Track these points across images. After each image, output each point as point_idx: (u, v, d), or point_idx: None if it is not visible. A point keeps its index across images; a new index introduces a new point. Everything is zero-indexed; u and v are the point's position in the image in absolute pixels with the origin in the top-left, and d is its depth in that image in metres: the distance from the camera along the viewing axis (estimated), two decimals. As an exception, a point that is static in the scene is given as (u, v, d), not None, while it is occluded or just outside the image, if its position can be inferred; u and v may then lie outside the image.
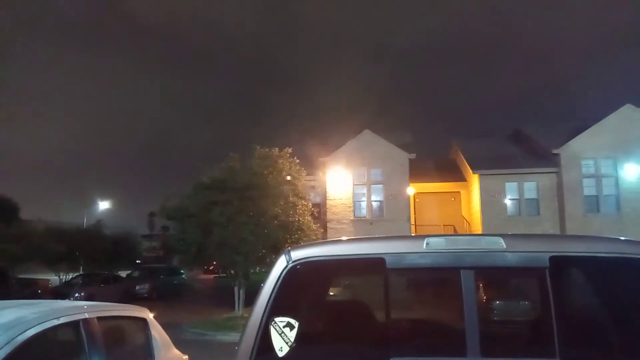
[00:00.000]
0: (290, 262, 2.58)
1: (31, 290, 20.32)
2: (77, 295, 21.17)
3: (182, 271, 30.54)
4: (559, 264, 2.43)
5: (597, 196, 22.88)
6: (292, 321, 2.48)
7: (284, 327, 2.47)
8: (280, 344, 2.46)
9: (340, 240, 2.87)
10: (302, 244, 3.04)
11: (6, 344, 2.74)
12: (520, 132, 28.09)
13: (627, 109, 22.97)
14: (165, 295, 25.95)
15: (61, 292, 21.61)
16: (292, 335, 2.46)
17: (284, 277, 2.55)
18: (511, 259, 2.46)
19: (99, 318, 3.62)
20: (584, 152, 22.82)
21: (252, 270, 17.65)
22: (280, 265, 2.58)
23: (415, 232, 24.49)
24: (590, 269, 2.59)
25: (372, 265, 2.56)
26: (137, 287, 26.34)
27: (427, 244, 2.53)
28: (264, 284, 2.58)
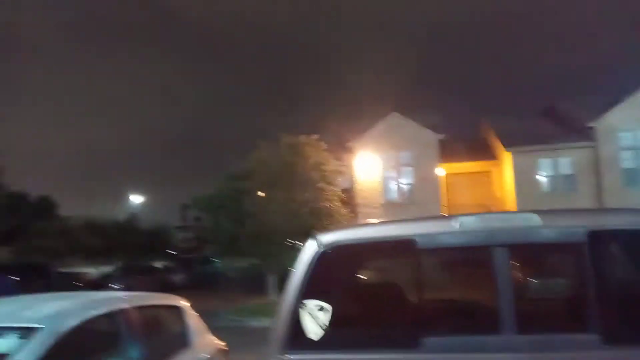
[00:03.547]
0: (321, 247, 2.58)
1: (71, 283, 21.02)
2: (115, 286, 21.80)
3: (215, 260, 31.10)
4: (598, 238, 2.36)
5: (635, 169, 22.15)
6: (324, 305, 2.48)
7: (316, 310, 2.48)
8: (313, 327, 2.47)
9: (370, 223, 2.86)
10: (332, 228, 3.04)
11: (50, 334, 2.83)
12: (553, 107, 27.28)
13: (665, 78, 22.05)
14: (200, 284, 26.48)
15: (100, 284, 22.29)
16: (324, 318, 2.47)
17: (314, 262, 2.55)
18: (547, 234, 2.40)
19: (137, 308, 3.71)
20: (621, 124, 22.05)
21: (285, 257, 17.82)
22: (310, 250, 2.59)
23: (447, 213, 24.23)
24: (630, 243, 2.50)
25: (403, 246, 2.54)
26: (173, 277, 26.94)
27: (459, 223, 2.49)
28: (295, 269, 2.59)
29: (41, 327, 2.86)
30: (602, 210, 4.24)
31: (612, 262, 2.67)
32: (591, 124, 22.36)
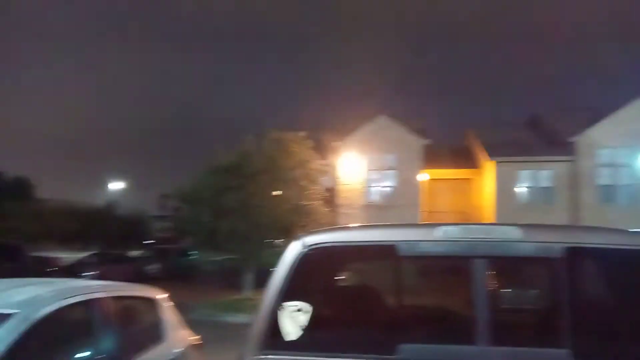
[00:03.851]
0: (305, 247, 2.59)
1: (44, 268, 20.65)
2: (89, 274, 21.50)
3: (193, 252, 30.86)
4: (575, 255, 2.41)
5: (613, 186, 22.62)
6: (304, 306, 2.49)
7: (295, 311, 2.49)
8: (291, 328, 2.48)
9: (353, 226, 2.87)
10: (314, 229, 3.05)
11: (23, 321, 2.79)
12: (537, 119, 27.71)
13: (646, 99, 22.53)
14: (176, 276, 26.25)
15: (74, 271, 21.96)
16: (303, 319, 2.48)
17: (297, 263, 2.56)
18: (526, 248, 2.45)
19: (112, 298, 3.67)
20: (601, 141, 22.48)
21: (264, 253, 17.75)
22: (294, 250, 2.59)
23: (426, 218, 24.43)
24: (605, 261, 2.56)
25: (386, 252, 2.56)
26: (148, 267, 26.67)
27: (441, 232, 2.52)
28: (276, 268, 2.59)
29: (15, 313, 2.81)
30: (581, 227, 4.32)
31: (587, 279, 2.73)
32: (572, 139, 22.76)
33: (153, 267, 26.82)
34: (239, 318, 12.85)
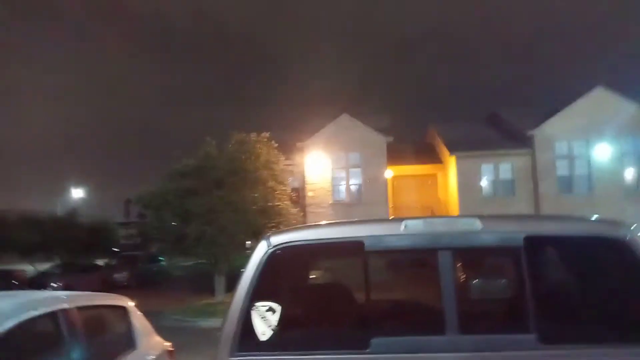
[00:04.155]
0: (271, 247, 2.60)
1: (7, 282, 19.92)
2: (54, 285, 20.88)
3: (160, 258, 30.29)
4: (533, 243, 2.51)
5: (570, 176, 23.42)
6: (274, 305, 2.51)
7: (265, 311, 2.50)
8: (263, 329, 2.49)
9: (319, 224, 2.90)
10: (281, 229, 3.07)
11: (-16, 336, 2.71)
12: (497, 115, 28.45)
13: (598, 92, 23.42)
14: (145, 283, 25.77)
15: (38, 283, 21.29)
16: (274, 319, 2.49)
17: (264, 263, 2.57)
18: (487, 239, 2.53)
19: (79, 308, 3.59)
20: (557, 133, 23.26)
21: (232, 256, 17.61)
22: (260, 250, 2.61)
23: (393, 214, 24.74)
24: (563, 248, 2.69)
25: (352, 248, 2.60)
26: (116, 276, 26.09)
27: (404, 226, 2.58)
28: (244, 269, 2.60)
29: (-25, 329, 2.73)
30: (538, 217, 4.48)
31: (548, 266, 2.85)
32: (530, 132, 23.47)
33: (121, 275, 26.25)
34: (212, 322, 12.71)
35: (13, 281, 20.75)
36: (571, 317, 2.57)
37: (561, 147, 23.54)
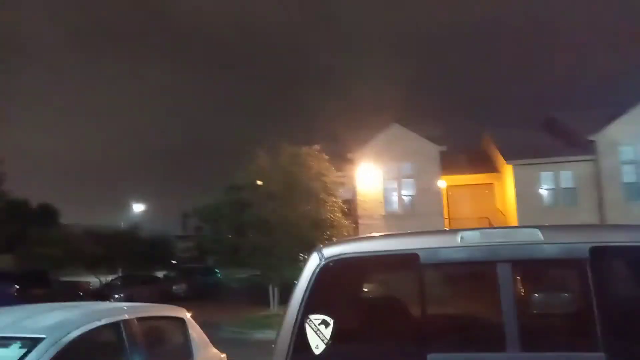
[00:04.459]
0: (323, 259, 2.58)
1: (72, 292, 20.97)
2: (116, 296, 21.75)
3: (217, 270, 31.01)
4: (600, 254, 2.37)
5: (637, 183, 22.12)
6: (327, 318, 2.49)
7: (319, 324, 2.48)
8: (316, 342, 2.47)
9: (372, 236, 2.85)
10: (334, 241, 3.04)
11: (52, 345, 2.84)
12: (554, 119, 27.34)
13: (666, 92, 22.11)
14: (202, 294, 26.39)
15: (101, 294, 22.25)
16: (327, 332, 2.47)
17: (317, 275, 2.56)
18: (549, 250, 2.41)
19: (139, 319, 3.71)
20: (622, 137, 22.08)
21: (286, 269, 17.78)
22: (313, 263, 2.59)
23: (449, 226, 24.18)
24: (632, 259, 2.51)
25: (406, 261, 2.54)
26: (174, 287, 26.87)
27: (461, 238, 2.50)
28: (297, 282, 2.60)
29: (44, 338, 2.87)
30: (604, 226, 4.24)
31: (616, 279, 2.67)
32: (592, 137, 22.40)
33: (179, 287, 27.02)
34: (267, 334, 12.81)
35: (79, 292, 21.81)
36: None
37: (627, 151, 22.30)
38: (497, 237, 2.50)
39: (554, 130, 26.31)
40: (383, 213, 24.63)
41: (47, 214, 34.24)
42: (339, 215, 18.46)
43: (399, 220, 23.63)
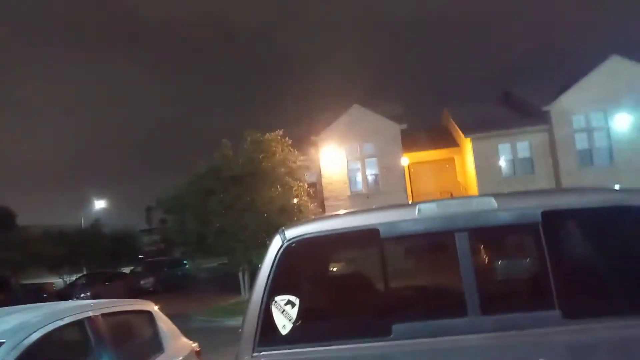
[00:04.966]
0: (285, 240, 2.59)
1: (36, 295, 20.40)
2: (82, 295, 21.28)
3: (185, 262, 30.68)
4: (552, 218, 2.45)
5: (590, 149, 22.97)
6: (293, 298, 2.50)
7: (284, 305, 2.49)
8: (283, 322, 2.48)
9: (333, 215, 2.87)
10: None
11: (12, 349, 2.75)
12: (510, 93, 28.03)
13: (613, 61, 22.88)
14: (171, 287, 26.11)
15: (66, 294, 21.72)
16: (293, 312, 2.48)
17: (280, 256, 2.56)
18: (504, 217, 2.48)
19: (104, 315, 3.63)
20: (574, 107, 22.82)
21: (254, 255, 17.76)
22: (275, 245, 2.60)
23: (412, 201, 24.56)
24: (583, 221, 2.61)
25: (367, 236, 2.57)
26: (142, 282, 26.44)
27: (419, 210, 2.55)
28: (261, 265, 2.60)
29: (3, 342, 2.77)
30: (555, 190, 4.40)
31: (567, 240, 2.78)
32: (546, 108, 23.06)
33: (147, 281, 26.61)
34: (238, 321, 12.77)
35: (43, 294, 21.22)
36: (595, 290, 2.51)
37: (579, 120, 23.08)
38: (453, 207, 2.55)
39: (510, 103, 26.99)
40: (348, 193, 24.84)
41: (3, 217, 32.97)
42: (305, 199, 18.51)
43: (364, 200, 23.89)
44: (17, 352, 2.74)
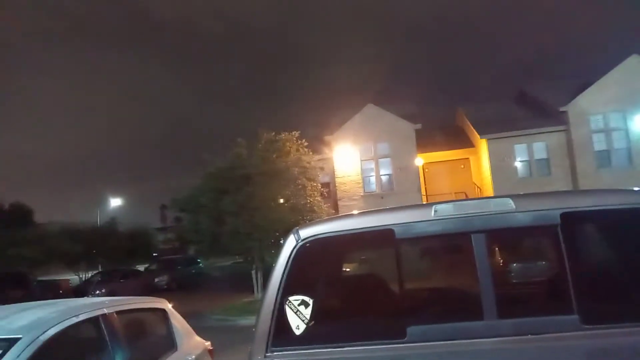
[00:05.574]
0: (300, 240, 2.57)
1: (53, 291, 20.67)
2: (97, 292, 21.52)
3: (199, 260, 30.87)
4: (571, 220, 2.40)
5: (608, 150, 22.62)
6: (307, 299, 2.48)
7: (298, 305, 2.48)
8: (297, 322, 2.47)
9: (347, 215, 2.85)
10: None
11: (29, 344, 2.78)
12: (526, 93, 27.70)
13: (632, 60, 22.50)
14: (185, 285, 26.29)
15: (82, 291, 21.99)
16: (307, 312, 2.47)
17: (294, 256, 2.55)
18: (522, 218, 2.44)
19: (118, 312, 3.66)
20: (592, 107, 22.48)
21: (267, 254, 17.80)
22: (289, 244, 2.58)
23: (427, 202, 24.42)
24: (603, 223, 2.56)
25: (382, 237, 2.54)
26: (156, 280, 26.69)
27: (435, 211, 2.51)
28: (275, 264, 2.59)
29: (20, 337, 2.80)
30: (574, 192, 4.33)
31: (587, 243, 2.72)
32: (563, 108, 22.75)
33: (161, 279, 26.86)
34: (251, 320, 12.83)
35: (59, 291, 21.50)
36: (614, 295, 2.45)
37: (597, 120, 22.73)
38: (470, 208, 2.51)
39: (526, 103, 26.69)
40: (362, 193, 24.78)
41: (20, 213, 33.48)
42: (319, 199, 18.50)
43: (377, 200, 23.81)
44: (33, 348, 2.77)
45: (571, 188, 22.17)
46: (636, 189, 2.65)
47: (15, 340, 2.79)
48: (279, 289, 2.51)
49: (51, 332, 2.96)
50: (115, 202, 37.52)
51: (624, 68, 22.50)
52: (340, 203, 24.28)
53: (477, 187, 25.63)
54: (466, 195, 24.73)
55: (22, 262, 22.84)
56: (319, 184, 19.25)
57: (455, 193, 24.76)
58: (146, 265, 31.40)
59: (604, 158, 22.59)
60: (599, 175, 21.75)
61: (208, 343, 4.81)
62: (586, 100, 22.56)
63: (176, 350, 4.18)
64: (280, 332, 2.46)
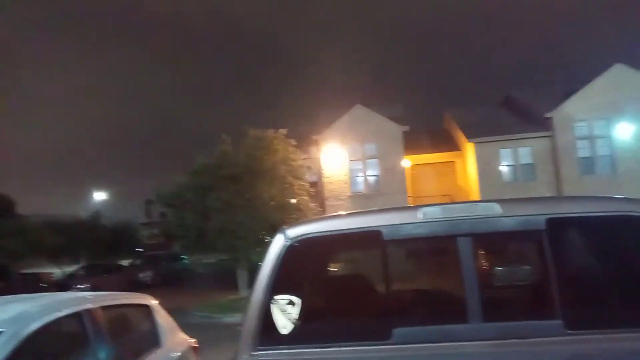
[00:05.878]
0: (288, 240, 2.58)
1: (35, 285, 20.37)
2: (80, 286, 21.27)
3: (184, 256, 30.69)
4: (556, 225, 2.44)
5: (591, 157, 22.94)
6: (294, 298, 2.49)
7: (285, 305, 2.49)
8: (283, 322, 2.48)
9: (336, 215, 2.86)
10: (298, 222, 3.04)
11: (11, 338, 2.75)
12: (512, 98, 27.99)
13: (617, 69, 22.85)
14: (169, 281, 26.11)
15: (65, 284, 21.71)
16: (294, 312, 2.48)
17: (281, 256, 2.56)
18: (508, 223, 2.47)
19: (103, 308, 3.63)
20: (577, 114, 22.79)
21: (253, 252, 17.75)
22: (277, 244, 2.59)
23: (413, 204, 24.55)
24: (586, 229, 2.60)
25: (369, 238, 2.56)
26: (140, 275, 26.45)
27: (423, 213, 2.54)
28: (262, 263, 2.59)
29: (2, 331, 2.77)
30: (560, 198, 4.39)
31: (572, 248, 2.76)
32: (548, 114, 23.03)
33: (145, 275, 26.62)
34: (236, 318, 12.82)
35: (40, 284, 21.20)
36: (598, 301, 2.49)
37: (581, 127, 23.03)
38: (457, 211, 2.54)
39: (513, 108, 26.96)
40: (349, 194, 24.82)
41: (3, 205, 32.94)
42: (306, 198, 18.48)
43: (364, 200, 23.86)
44: (15, 342, 2.74)
45: (555, 193, 22.45)
46: (619, 196, 2.70)
47: (-3, 334, 2.75)
48: (266, 288, 2.52)
49: (34, 326, 2.92)
50: (100, 196, 37.11)
51: (609, 77, 22.83)
52: (327, 203, 24.30)
53: (463, 190, 25.84)
54: (452, 198, 24.91)
55: (3, 253, 22.51)
56: (307, 183, 19.22)
57: (441, 196, 24.93)
58: (130, 260, 31.11)
59: (588, 165, 22.91)
60: (583, 181, 22.06)
61: (193, 340, 4.79)
62: (571, 107, 22.87)
63: (161, 347, 4.15)
64: (267, 331, 2.47)
